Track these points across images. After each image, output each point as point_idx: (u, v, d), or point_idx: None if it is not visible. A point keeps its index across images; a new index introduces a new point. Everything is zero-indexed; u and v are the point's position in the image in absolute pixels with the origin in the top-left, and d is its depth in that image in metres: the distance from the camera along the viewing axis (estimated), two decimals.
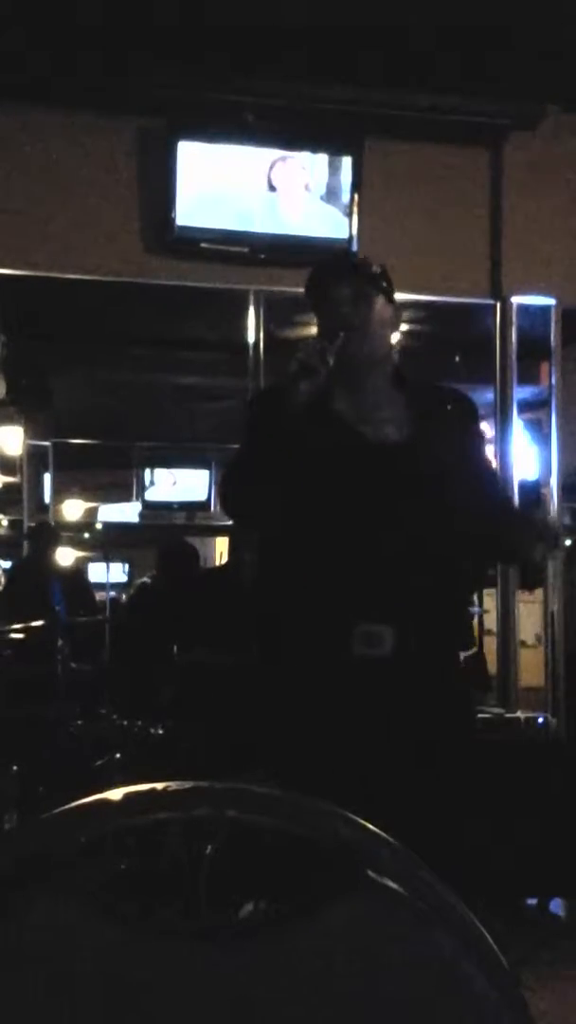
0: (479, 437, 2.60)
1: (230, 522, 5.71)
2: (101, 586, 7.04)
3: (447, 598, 2.38)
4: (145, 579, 9.01)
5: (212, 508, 8.67)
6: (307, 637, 2.29)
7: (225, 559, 6.92)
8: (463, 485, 2.39)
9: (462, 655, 2.66)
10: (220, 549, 8.84)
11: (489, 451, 4.73)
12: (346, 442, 2.37)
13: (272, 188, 4.69)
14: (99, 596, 6.90)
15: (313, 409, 2.33)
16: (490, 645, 5.16)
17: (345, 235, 4.69)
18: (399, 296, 2.53)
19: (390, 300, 2.47)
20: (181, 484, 8.83)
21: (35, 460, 8.27)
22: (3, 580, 7.33)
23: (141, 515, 8.77)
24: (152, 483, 8.81)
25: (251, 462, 2.44)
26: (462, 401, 2.56)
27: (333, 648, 2.26)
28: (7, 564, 7.78)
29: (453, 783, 2.35)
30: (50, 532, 6.80)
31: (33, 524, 7.62)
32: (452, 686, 2.44)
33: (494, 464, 2.83)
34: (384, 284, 2.46)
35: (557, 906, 4.51)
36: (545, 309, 4.97)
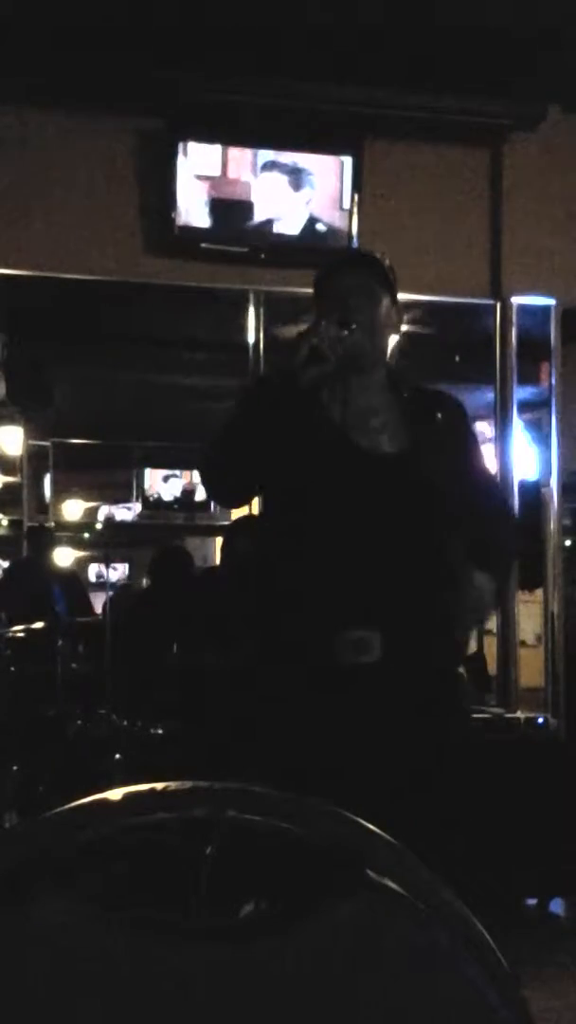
0: (472, 443, 2.53)
1: (229, 522, 5.71)
2: (102, 586, 7.05)
3: (437, 603, 2.31)
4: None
5: (212, 508, 8.66)
6: (297, 642, 2.25)
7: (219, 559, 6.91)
8: (456, 494, 2.35)
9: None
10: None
11: (486, 452, 4.72)
12: (338, 450, 2.30)
13: (271, 188, 4.69)
14: (100, 595, 6.90)
15: (302, 411, 2.28)
16: (490, 645, 5.16)
17: (345, 235, 4.69)
18: (399, 296, 2.51)
19: (394, 301, 2.42)
20: (180, 484, 8.83)
21: (35, 460, 8.27)
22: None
23: (141, 515, 8.77)
24: (151, 483, 8.81)
25: (234, 436, 2.38)
26: (454, 407, 2.50)
27: (321, 654, 2.22)
28: (5, 564, 7.79)
29: (448, 785, 2.30)
30: (47, 535, 6.81)
31: (31, 525, 7.63)
32: (443, 689, 2.37)
33: (490, 469, 2.74)
34: (391, 281, 2.40)
35: (557, 906, 4.51)
36: (545, 309, 4.97)
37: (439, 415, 2.43)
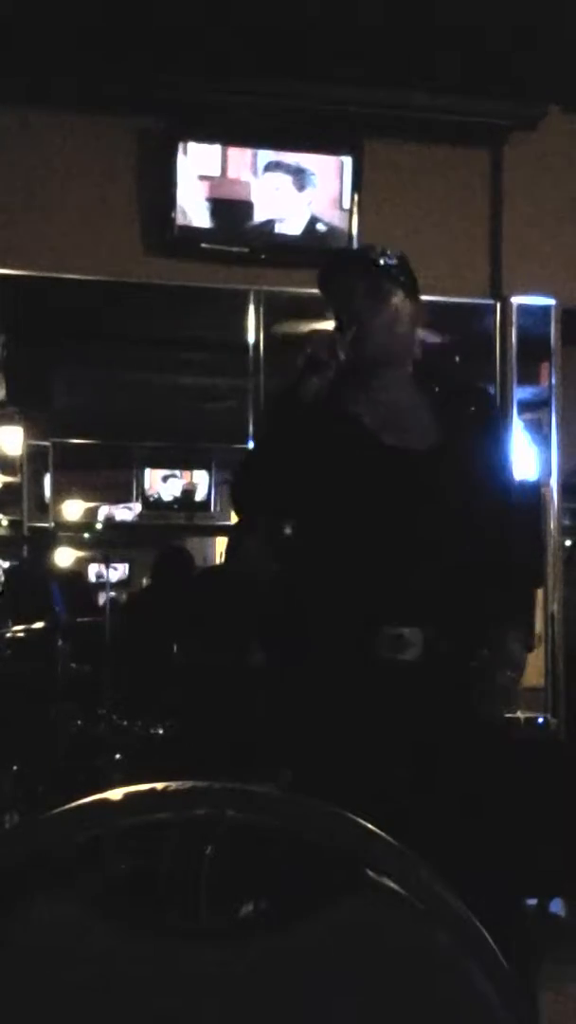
0: (499, 439, 2.47)
1: (230, 522, 5.71)
2: (101, 586, 7.05)
3: (475, 601, 2.28)
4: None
5: (212, 508, 8.66)
6: (333, 640, 2.21)
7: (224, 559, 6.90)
8: (486, 492, 2.31)
9: None
10: (220, 549, 8.83)
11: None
12: (367, 450, 2.26)
13: (272, 188, 4.69)
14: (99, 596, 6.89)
15: (331, 411, 2.24)
16: None
17: (345, 235, 4.69)
18: None
19: (410, 294, 2.35)
20: (180, 484, 8.84)
21: (35, 460, 8.27)
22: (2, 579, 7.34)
23: (141, 515, 8.77)
24: (151, 483, 8.81)
25: (261, 461, 2.36)
26: (487, 401, 2.47)
27: (359, 651, 2.18)
28: (6, 564, 7.78)
29: (473, 787, 2.27)
30: (49, 535, 6.82)
31: (34, 526, 7.62)
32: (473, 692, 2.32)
33: (512, 466, 2.61)
34: (402, 278, 2.34)
35: (557, 906, 4.51)
36: (545, 309, 4.97)
37: (472, 409, 2.39)
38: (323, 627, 2.24)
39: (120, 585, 8.56)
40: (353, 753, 2.17)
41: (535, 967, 2.32)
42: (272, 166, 4.68)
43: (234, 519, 5.38)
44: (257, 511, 2.44)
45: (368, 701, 2.19)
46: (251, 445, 2.46)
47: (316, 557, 2.29)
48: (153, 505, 8.78)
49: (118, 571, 8.73)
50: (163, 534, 8.31)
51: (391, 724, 2.19)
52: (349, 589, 2.21)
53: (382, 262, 2.34)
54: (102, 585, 6.84)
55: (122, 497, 9.13)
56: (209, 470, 8.71)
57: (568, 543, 5.65)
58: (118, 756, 4.01)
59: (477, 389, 2.50)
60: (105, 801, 1.01)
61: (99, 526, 9.02)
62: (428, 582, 2.21)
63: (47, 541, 6.68)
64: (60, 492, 8.71)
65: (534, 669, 4.97)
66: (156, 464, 8.84)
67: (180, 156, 4.56)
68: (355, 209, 4.70)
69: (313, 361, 2.20)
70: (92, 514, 9.52)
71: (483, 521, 2.29)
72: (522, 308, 4.94)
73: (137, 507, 8.86)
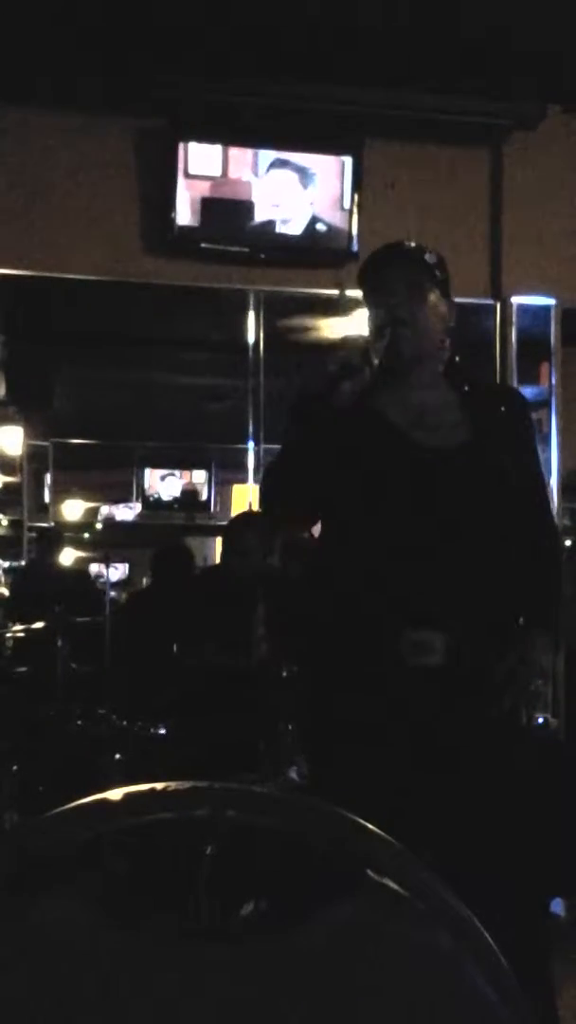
0: (529, 441, 2.43)
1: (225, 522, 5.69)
2: (101, 586, 7.04)
3: (501, 606, 2.25)
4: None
5: (212, 508, 8.66)
6: (356, 642, 2.19)
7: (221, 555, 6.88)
8: (514, 493, 2.28)
9: None
10: (220, 549, 8.83)
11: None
12: (397, 448, 2.23)
13: (278, 186, 4.69)
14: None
15: (361, 410, 2.22)
16: None
17: (345, 235, 4.69)
18: None
19: (446, 294, 2.33)
20: (180, 484, 8.84)
21: (35, 460, 8.28)
22: (4, 580, 7.34)
23: (141, 515, 8.77)
24: (151, 483, 8.81)
25: (290, 464, 2.32)
26: (518, 402, 2.44)
27: (382, 655, 2.15)
28: (6, 564, 7.78)
29: (496, 792, 2.24)
30: (55, 536, 6.82)
31: (40, 526, 7.64)
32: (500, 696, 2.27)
33: (541, 468, 2.57)
34: (439, 275, 2.32)
35: (557, 906, 4.51)
36: (545, 309, 4.97)
37: (502, 408, 2.37)
38: (345, 630, 2.22)
39: (120, 585, 8.56)
40: (375, 757, 2.15)
41: (550, 966, 2.31)
42: (279, 163, 4.68)
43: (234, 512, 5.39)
44: (284, 513, 2.41)
45: (390, 706, 2.16)
46: (282, 446, 2.39)
47: (341, 559, 2.27)
48: (153, 505, 8.78)
49: (118, 571, 8.73)
50: (163, 534, 8.31)
51: (413, 729, 2.17)
52: (373, 592, 2.19)
53: (426, 259, 2.32)
54: (102, 585, 6.83)
55: (122, 497, 9.13)
56: (209, 470, 8.70)
57: (568, 543, 5.65)
58: (118, 756, 4.00)
59: (508, 389, 2.48)
60: (105, 801, 1.01)
61: (99, 526, 9.02)
62: (452, 585, 2.18)
63: (54, 541, 6.68)
64: (60, 492, 8.73)
65: None
66: (156, 464, 8.84)
67: (180, 156, 4.56)
68: (355, 209, 4.70)
69: (347, 368, 2.18)
70: (92, 514, 9.52)
71: (510, 522, 2.27)
72: (522, 308, 4.94)
73: (137, 507, 8.86)
